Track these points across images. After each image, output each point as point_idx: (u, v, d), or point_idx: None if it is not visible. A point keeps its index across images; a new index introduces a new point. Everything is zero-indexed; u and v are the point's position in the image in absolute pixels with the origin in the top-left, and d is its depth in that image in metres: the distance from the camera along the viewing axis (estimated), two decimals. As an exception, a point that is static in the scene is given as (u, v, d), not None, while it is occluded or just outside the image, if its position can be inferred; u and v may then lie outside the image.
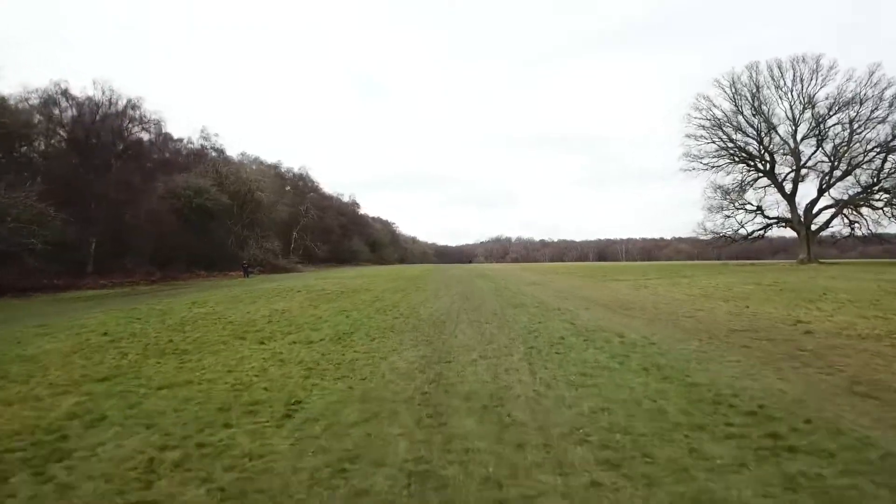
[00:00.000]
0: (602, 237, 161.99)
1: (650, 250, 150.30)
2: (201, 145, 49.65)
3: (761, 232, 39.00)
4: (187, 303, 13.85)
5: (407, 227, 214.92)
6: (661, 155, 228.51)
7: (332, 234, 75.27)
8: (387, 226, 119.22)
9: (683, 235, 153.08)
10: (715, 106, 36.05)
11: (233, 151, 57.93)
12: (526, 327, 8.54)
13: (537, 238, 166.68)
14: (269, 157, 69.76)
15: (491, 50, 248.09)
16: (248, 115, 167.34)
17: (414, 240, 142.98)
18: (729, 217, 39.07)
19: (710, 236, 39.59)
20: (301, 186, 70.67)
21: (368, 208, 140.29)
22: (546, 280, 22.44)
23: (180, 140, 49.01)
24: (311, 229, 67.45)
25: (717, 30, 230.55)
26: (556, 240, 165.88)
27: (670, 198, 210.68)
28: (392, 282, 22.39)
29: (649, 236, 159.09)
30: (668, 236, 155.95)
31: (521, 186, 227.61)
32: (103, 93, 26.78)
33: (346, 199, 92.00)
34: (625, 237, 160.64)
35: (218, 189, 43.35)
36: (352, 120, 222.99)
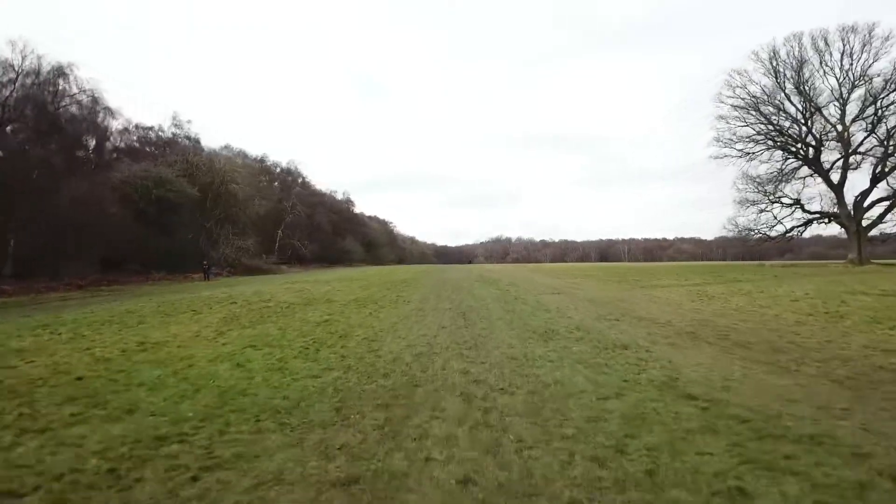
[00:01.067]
0: (603, 237, 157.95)
1: (653, 250, 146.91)
2: (173, 133, 44.85)
3: (801, 228, 34.16)
4: (35, 325, 9.03)
5: (406, 227, 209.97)
6: (662, 155, 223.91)
7: (322, 233, 70.39)
8: (384, 225, 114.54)
9: (686, 236, 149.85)
10: (753, 82, 31.22)
11: (217, 144, 53.06)
12: (597, 411, 3.72)
13: (538, 238, 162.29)
14: (263, 154, 64.70)
15: (491, 50, 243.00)
16: (247, 116, 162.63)
17: (413, 240, 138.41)
18: (764, 212, 34.17)
19: (742, 234, 34.64)
20: (289, 182, 65.88)
21: (368, 208, 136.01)
22: (567, 286, 17.61)
23: (151, 128, 44.29)
24: (298, 227, 62.67)
25: (717, 30, 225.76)
26: (557, 240, 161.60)
27: (670, 198, 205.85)
28: (369, 288, 17.58)
29: (651, 236, 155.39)
30: (669, 236, 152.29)
31: (521, 186, 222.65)
32: (23, 57, 21.98)
33: (339, 196, 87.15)
34: (626, 237, 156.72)
35: (187, 180, 38.65)
36: (351, 120, 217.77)
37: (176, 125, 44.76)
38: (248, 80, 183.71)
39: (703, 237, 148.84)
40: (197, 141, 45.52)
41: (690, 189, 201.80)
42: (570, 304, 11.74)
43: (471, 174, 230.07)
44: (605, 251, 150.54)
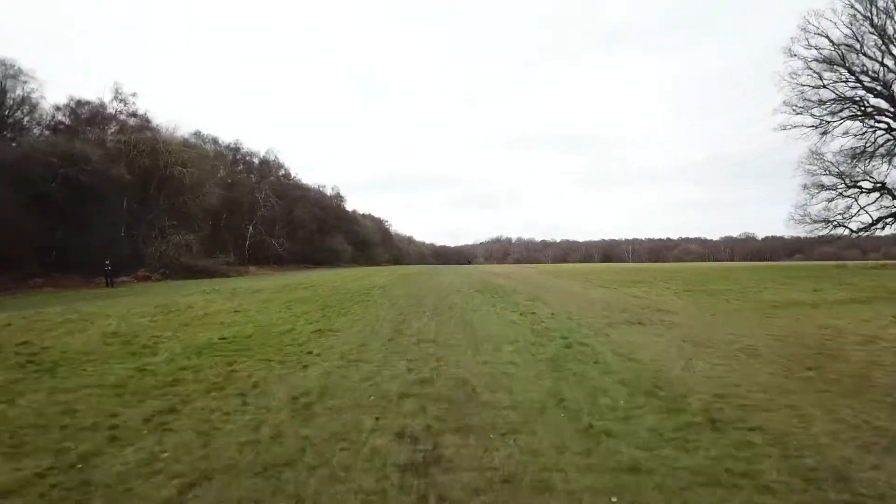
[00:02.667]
0: (606, 237, 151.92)
1: (658, 251, 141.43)
2: (116, 110, 37.59)
3: (889, 220, 26.73)
4: None
5: (406, 227, 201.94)
6: (662, 155, 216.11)
7: (305, 230, 63.14)
8: (378, 224, 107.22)
9: (689, 236, 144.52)
10: (841, 24, 23.55)
11: (187, 131, 45.51)
12: None
13: (538, 238, 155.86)
14: (236, 140, 56.99)
15: (491, 50, 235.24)
16: (245, 116, 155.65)
17: (410, 239, 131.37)
18: (839, 198, 26.75)
19: (818, 227, 27.09)
20: (265, 171, 58.59)
21: (367, 208, 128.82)
22: (634, 304, 10.21)
23: (88, 103, 37.04)
24: (276, 223, 55.41)
25: (718, 29, 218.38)
26: (558, 240, 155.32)
27: (671, 198, 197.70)
28: (298, 306, 10.26)
29: (654, 237, 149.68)
30: (673, 236, 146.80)
31: (521, 186, 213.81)
32: None
33: (329, 191, 79.75)
34: (629, 237, 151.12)
35: (125, 163, 31.46)
36: (351, 120, 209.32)
37: (119, 99, 37.44)
38: (245, 79, 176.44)
39: (709, 237, 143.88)
40: (146, 119, 38.18)
41: (692, 189, 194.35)
42: (729, 368, 4.37)
43: (470, 174, 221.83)
44: (609, 251, 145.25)
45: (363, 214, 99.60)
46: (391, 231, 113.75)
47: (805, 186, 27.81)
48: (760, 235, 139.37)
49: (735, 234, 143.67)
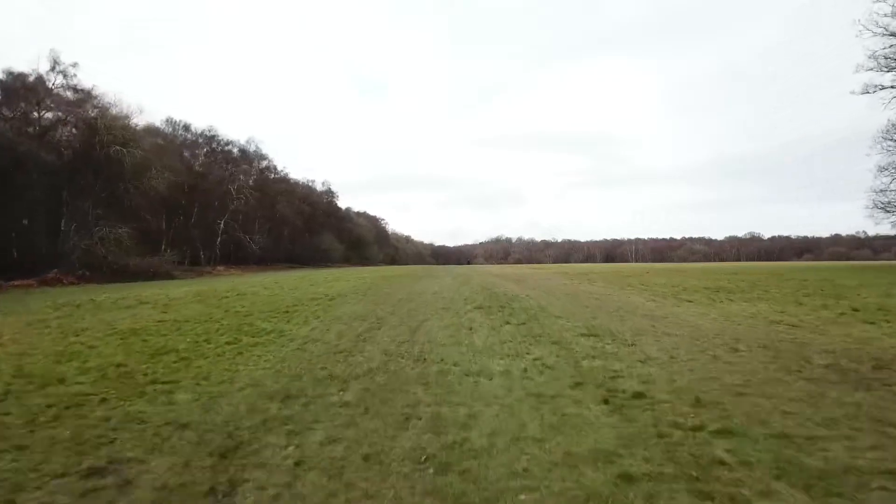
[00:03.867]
0: (608, 237, 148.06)
1: (662, 251, 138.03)
2: (60, 84, 32.06)
3: None
4: None
5: (405, 227, 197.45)
6: (664, 155, 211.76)
7: (290, 227, 57.67)
8: (374, 222, 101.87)
9: (693, 235, 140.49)
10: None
11: (159, 117, 40.02)
12: None
13: (539, 238, 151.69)
14: (209, 126, 51.29)
15: (493, 50, 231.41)
16: (246, 120, 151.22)
17: (408, 239, 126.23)
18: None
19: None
20: (243, 162, 52.96)
21: (364, 207, 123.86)
22: (831, 347, 4.76)
23: (22, 75, 31.52)
24: (254, 218, 49.85)
25: (720, 29, 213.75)
26: (559, 240, 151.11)
27: (673, 198, 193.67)
28: (131, 341, 4.77)
29: (657, 236, 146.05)
30: (676, 236, 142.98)
31: (521, 186, 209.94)
32: None
33: (318, 186, 74.09)
34: (632, 237, 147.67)
35: (60, 142, 26.08)
36: (350, 121, 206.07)
37: (60, 72, 31.82)
38: (241, 81, 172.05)
39: (713, 237, 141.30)
40: (87, 93, 32.52)
41: (694, 189, 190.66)
42: None
43: (470, 174, 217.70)
44: (611, 252, 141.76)
45: (357, 212, 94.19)
46: (388, 230, 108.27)
47: (881, 168, 22.36)
48: (766, 235, 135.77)
49: (740, 234, 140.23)
